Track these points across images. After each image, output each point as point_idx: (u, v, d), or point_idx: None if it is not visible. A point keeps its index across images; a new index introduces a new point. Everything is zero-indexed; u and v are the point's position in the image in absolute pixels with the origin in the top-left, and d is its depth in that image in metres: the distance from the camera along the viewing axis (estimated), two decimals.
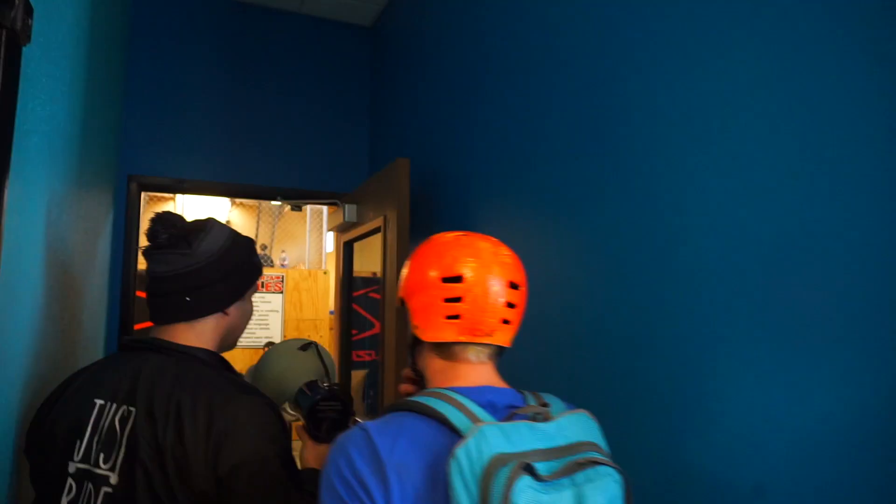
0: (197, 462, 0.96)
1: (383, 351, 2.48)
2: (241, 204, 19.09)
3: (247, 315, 1.27)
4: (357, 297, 3.35)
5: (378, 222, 2.63)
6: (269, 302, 6.34)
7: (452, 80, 2.50)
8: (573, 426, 0.84)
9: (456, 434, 0.79)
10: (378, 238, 2.67)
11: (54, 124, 1.44)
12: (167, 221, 1.15)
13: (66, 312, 1.67)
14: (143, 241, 1.18)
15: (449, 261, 0.93)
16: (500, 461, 0.72)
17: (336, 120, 3.53)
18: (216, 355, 1.18)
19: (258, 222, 13.82)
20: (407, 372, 1.05)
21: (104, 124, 2.39)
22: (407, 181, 2.45)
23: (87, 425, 1.03)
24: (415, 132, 2.89)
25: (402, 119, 3.06)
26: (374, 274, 3.05)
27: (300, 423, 1.31)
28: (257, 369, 1.57)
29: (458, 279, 0.91)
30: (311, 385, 1.32)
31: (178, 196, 12.57)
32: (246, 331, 1.29)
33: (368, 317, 3.57)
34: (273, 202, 15.19)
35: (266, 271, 6.54)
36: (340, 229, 3.19)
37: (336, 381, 1.58)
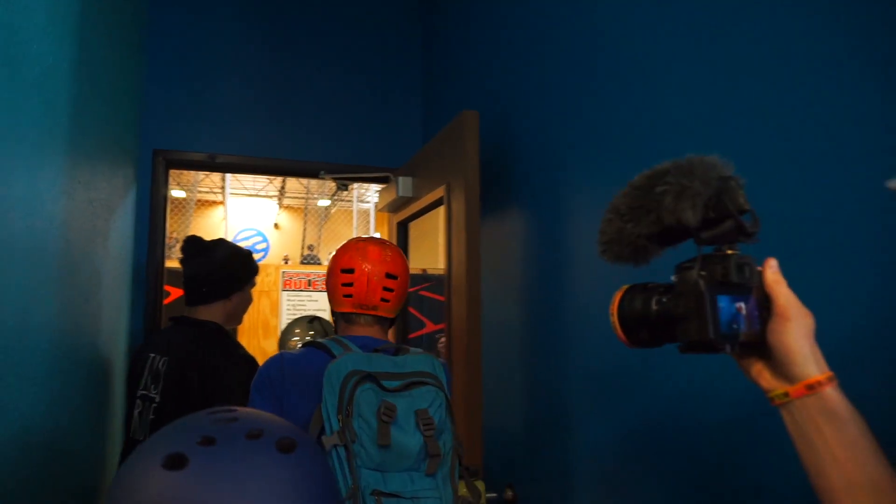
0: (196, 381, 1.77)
1: (451, 348, 2.03)
2: (289, 207, 19.02)
3: (246, 301, 2.05)
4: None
5: (439, 192, 2.18)
6: (317, 301, 6.02)
7: (533, 8, 2.03)
8: (418, 362, 1.34)
9: (331, 357, 1.31)
10: (428, 229, 2.23)
11: (56, 78, 1.21)
12: (192, 241, 1.99)
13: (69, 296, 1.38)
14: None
15: (346, 258, 1.44)
16: (354, 373, 1.24)
17: (384, 85, 3.10)
18: (219, 326, 1.93)
19: (305, 223, 13.64)
20: None
21: (120, 87, 2.03)
22: (475, 139, 1.99)
23: (146, 368, 1.85)
24: (482, 85, 2.43)
25: (466, 71, 2.60)
26: (424, 270, 2.85)
27: None
28: (282, 333, 2.19)
29: (350, 270, 1.42)
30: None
31: (227, 201, 12.49)
32: None
33: (418, 315, 3.17)
34: (320, 202, 14.99)
35: (313, 269, 6.20)
36: (392, 208, 2.75)
37: None
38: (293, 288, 5.87)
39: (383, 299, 1.41)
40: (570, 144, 1.72)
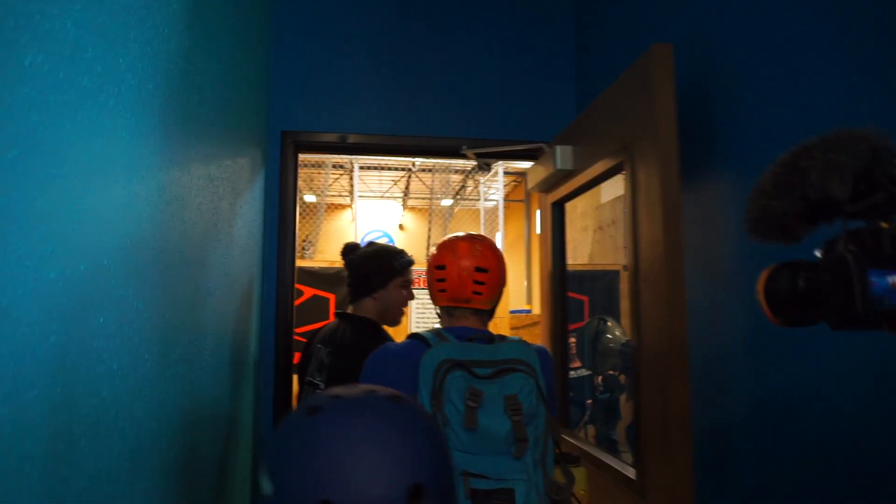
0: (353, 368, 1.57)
1: (641, 354, 1.57)
2: (413, 208, 19.38)
3: (393, 299, 2.02)
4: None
5: (615, 158, 1.74)
6: None
7: None
8: (511, 350, 1.38)
9: (428, 346, 1.38)
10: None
11: (166, 59, 1.04)
12: (349, 244, 2.09)
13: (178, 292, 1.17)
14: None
15: (437, 255, 1.50)
16: (446, 362, 1.30)
17: (530, 48, 2.69)
18: (373, 321, 1.98)
19: (430, 224, 13.61)
20: None
21: (246, 68, 1.83)
22: (669, 81, 1.52)
23: (313, 358, 1.94)
24: (662, 20, 1.95)
25: (636, 9, 2.13)
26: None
27: None
28: None
29: (442, 267, 1.48)
30: None
31: (355, 204, 12.74)
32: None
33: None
34: (443, 202, 14.94)
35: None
36: (546, 186, 2.33)
37: None
38: (422, 286, 5.59)
39: (475, 292, 1.46)
40: (802, 81, 1.21)
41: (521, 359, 1.35)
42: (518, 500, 1.24)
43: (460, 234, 1.53)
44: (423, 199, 18.31)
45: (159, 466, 1.03)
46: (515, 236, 10.00)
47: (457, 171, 14.54)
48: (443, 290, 1.47)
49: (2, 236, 0.54)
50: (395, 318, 2.00)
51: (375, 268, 1.95)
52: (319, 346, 1.93)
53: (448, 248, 1.48)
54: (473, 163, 2.55)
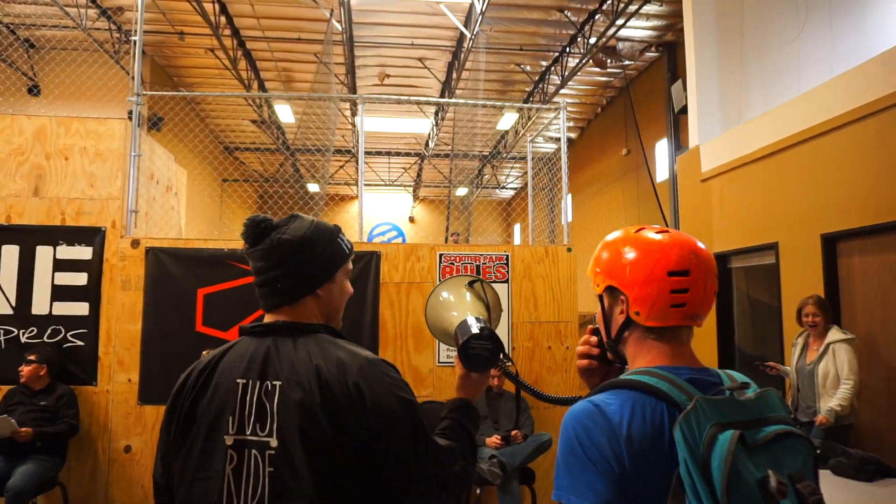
0: (348, 412, 1.16)
1: None
2: (425, 199, 17.91)
3: (341, 295, 1.42)
4: None
5: None
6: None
7: None
8: (765, 402, 0.98)
9: (674, 407, 0.95)
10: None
11: None
12: (251, 223, 1.33)
13: None
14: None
15: (674, 257, 1.06)
16: (717, 429, 0.89)
17: None
18: (328, 326, 1.35)
19: (449, 208, 12.33)
20: (588, 347, 1.22)
21: None
22: None
23: (235, 402, 1.22)
24: None
25: None
26: None
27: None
28: (431, 297, 1.62)
29: (685, 273, 1.05)
30: (466, 324, 1.38)
31: (361, 194, 11.54)
32: None
33: None
34: (458, 191, 13.56)
35: (486, 250, 4.63)
36: None
37: (491, 320, 1.51)
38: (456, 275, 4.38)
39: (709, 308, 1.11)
40: None
41: (784, 414, 0.99)
42: None
43: (654, 227, 1.15)
44: (437, 187, 16.87)
45: None
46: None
47: (473, 157, 13.16)
48: (680, 305, 1.06)
49: None
50: (339, 323, 1.46)
51: (320, 252, 1.38)
52: (243, 381, 1.26)
53: (686, 249, 1.08)
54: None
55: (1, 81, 8.56)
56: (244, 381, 1.22)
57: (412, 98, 8.08)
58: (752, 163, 5.24)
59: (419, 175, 16.57)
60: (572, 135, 13.30)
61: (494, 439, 4.04)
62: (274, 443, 1.17)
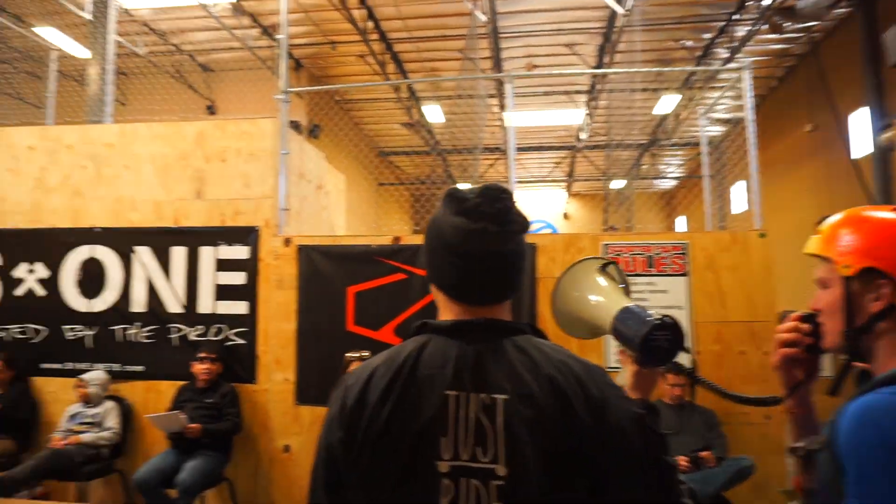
0: (592, 432, 0.97)
1: None
2: (577, 194, 17.17)
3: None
4: None
5: None
6: (666, 291, 3.83)
7: None
8: None
9: None
10: None
11: None
12: (499, 192, 1.07)
13: None
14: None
15: None
16: None
17: None
18: (531, 324, 1.12)
19: (606, 199, 11.64)
20: (800, 335, 1.10)
21: None
22: None
23: (447, 420, 0.99)
24: None
25: None
26: None
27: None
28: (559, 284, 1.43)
29: None
30: (633, 312, 1.22)
31: (513, 192, 11.29)
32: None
33: None
34: (612, 183, 12.79)
35: (659, 238, 4.06)
36: None
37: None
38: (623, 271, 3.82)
39: None
40: None
41: None
42: None
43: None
44: (592, 181, 16.08)
45: None
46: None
47: (629, 146, 12.26)
48: None
49: None
50: None
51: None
52: (453, 392, 1.02)
53: None
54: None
55: (184, 102, 9.42)
56: (455, 392, 1.01)
57: (566, 71, 7.56)
58: None
59: (572, 169, 15.93)
60: (741, 113, 11.96)
61: (680, 461, 3.43)
62: (502, 470, 0.96)
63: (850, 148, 8.43)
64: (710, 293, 3.84)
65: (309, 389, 4.11)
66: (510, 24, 9.24)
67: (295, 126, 9.17)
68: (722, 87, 6.07)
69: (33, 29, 8.09)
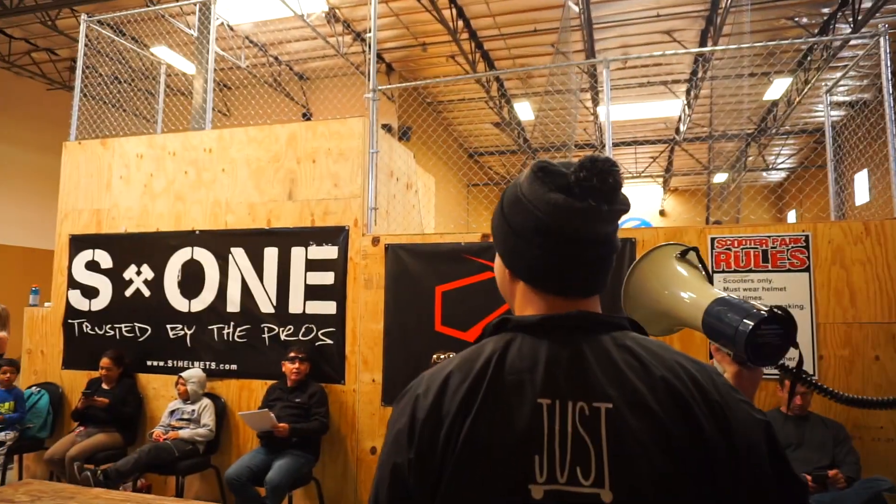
0: (711, 446, 0.80)
1: None
2: (675, 190, 16.28)
3: None
4: None
5: None
6: (783, 289, 3.42)
7: None
8: None
9: None
10: None
11: None
12: (608, 164, 0.88)
13: None
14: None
15: None
16: None
17: None
18: (631, 318, 0.95)
19: (709, 194, 10.98)
20: None
21: None
22: None
23: (542, 434, 0.82)
24: None
25: None
26: None
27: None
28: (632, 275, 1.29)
29: None
30: (732, 304, 1.07)
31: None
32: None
33: None
34: (716, 177, 11.97)
35: (776, 230, 3.67)
36: None
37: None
38: (731, 268, 3.38)
39: None
40: None
41: None
42: None
43: None
44: (691, 175, 15.21)
45: None
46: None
47: (733, 137, 11.43)
48: None
49: None
50: None
51: None
52: (547, 401, 0.84)
53: None
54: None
55: (282, 111, 9.77)
56: (549, 401, 0.85)
57: (666, 51, 7.12)
58: None
59: (670, 163, 15.15)
60: (866, 94, 10.82)
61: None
62: (608, 496, 0.80)
63: None
64: (837, 291, 3.40)
65: (396, 391, 4.04)
66: (604, 14, 8.86)
67: (386, 129, 9.30)
68: (844, 66, 5.44)
69: (150, 49, 8.68)
